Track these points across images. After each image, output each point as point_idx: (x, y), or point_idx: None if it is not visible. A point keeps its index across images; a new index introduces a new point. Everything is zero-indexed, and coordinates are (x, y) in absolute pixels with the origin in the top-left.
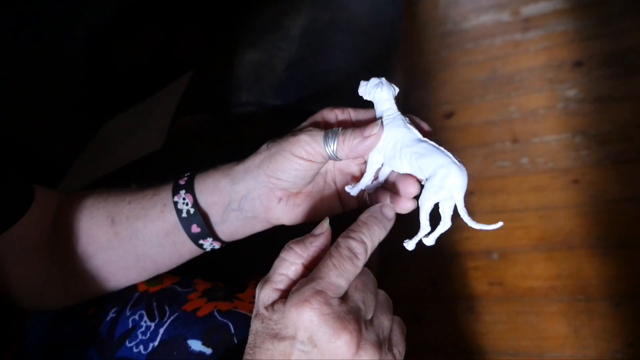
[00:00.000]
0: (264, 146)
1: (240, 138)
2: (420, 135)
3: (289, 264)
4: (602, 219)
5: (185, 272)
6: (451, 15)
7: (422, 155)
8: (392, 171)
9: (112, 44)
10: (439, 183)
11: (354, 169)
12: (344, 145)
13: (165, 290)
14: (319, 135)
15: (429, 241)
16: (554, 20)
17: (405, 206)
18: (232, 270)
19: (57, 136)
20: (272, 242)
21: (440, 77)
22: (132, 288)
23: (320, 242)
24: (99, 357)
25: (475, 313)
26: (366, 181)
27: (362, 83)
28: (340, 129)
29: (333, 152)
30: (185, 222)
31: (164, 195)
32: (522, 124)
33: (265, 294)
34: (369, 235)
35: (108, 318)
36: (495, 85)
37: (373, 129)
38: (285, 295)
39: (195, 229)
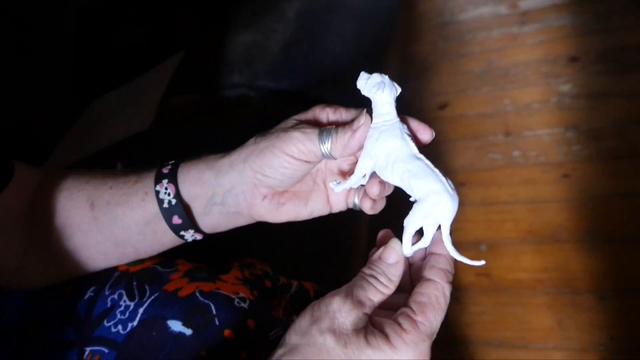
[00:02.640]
0: (252, 140)
1: (231, 120)
2: (416, 151)
3: (376, 291)
4: (590, 214)
5: (167, 252)
6: (449, 6)
7: (415, 175)
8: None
9: (102, 21)
10: (428, 209)
11: (346, 169)
12: (337, 143)
13: (146, 270)
14: (313, 133)
15: (407, 252)
16: (551, 14)
17: (377, 207)
18: (216, 251)
19: (43, 113)
20: (258, 226)
21: (435, 67)
22: (112, 267)
23: (399, 273)
24: (76, 336)
25: (461, 303)
26: (352, 182)
27: (363, 75)
28: (333, 127)
29: (328, 150)
30: (167, 213)
31: (146, 182)
32: (516, 117)
33: (356, 316)
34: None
35: (86, 297)
36: (490, 77)
37: (360, 120)
38: (368, 321)
39: (176, 220)
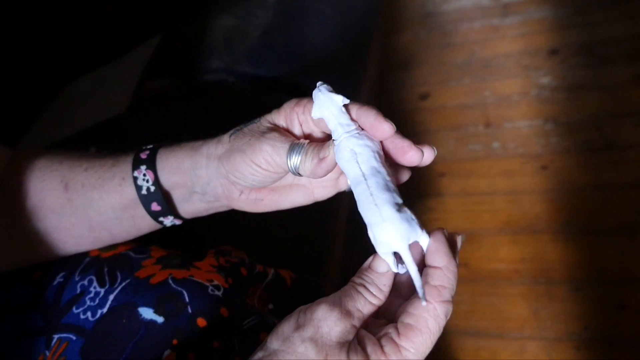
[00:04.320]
0: (227, 136)
1: (209, 105)
2: (360, 172)
3: (366, 302)
4: (567, 206)
5: (141, 238)
6: None
7: (359, 201)
8: None
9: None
10: (376, 239)
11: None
12: (304, 165)
13: (118, 256)
14: (282, 148)
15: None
16: (532, 7)
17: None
18: (191, 238)
19: (16, 96)
20: (235, 213)
21: (417, 58)
22: (83, 253)
23: (390, 283)
24: (44, 323)
25: None
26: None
27: (315, 105)
28: (305, 144)
29: (295, 168)
30: (145, 199)
31: (124, 167)
32: (496, 109)
33: (343, 328)
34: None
35: (55, 282)
36: (471, 69)
37: (326, 151)
38: (355, 335)
39: (155, 206)
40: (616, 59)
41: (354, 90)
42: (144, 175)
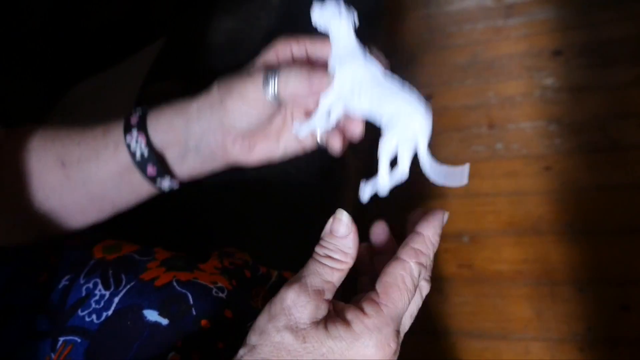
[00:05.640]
0: (215, 86)
1: None
2: (383, 71)
3: (333, 270)
4: (570, 206)
5: (145, 241)
6: None
7: (384, 96)
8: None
9: (80, 3)
10: (402, 130)
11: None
12: (286, 89)
13: (123, 258)
14: (258, 77)
15: (383, 192)
16: (536, 8)
17: (335, 145)
18: (195, 240)
19: (18, 99)
20: (238, 213)
21: (420, 59)
22: (88, 255)
23: (354, 243)
24: (49, 326)
25: (443, 294)
26: (317, 121)
27: (316, 6)
28: (283, 67)
29: (274, 95)
30: (140, 164)
31: (115, 134)
32: (499, 110)
33: (314, 307)
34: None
35: (60, 285)
36: (475, 70)
37: (322, 78)
38: (330, 307)
39: (151, 170)
40: (620, 59)
41: None
42: (136, 139)
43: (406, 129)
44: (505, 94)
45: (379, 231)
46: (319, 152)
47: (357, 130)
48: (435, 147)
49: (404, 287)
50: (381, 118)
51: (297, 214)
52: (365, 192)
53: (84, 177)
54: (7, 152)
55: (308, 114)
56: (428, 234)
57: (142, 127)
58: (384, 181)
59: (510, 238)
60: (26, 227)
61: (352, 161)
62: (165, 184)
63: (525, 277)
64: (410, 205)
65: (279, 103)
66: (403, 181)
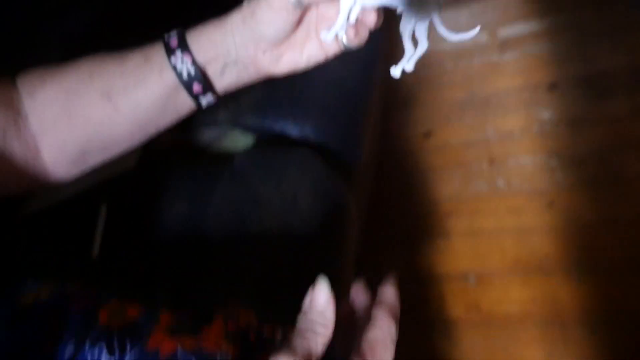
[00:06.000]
0: (245, 2)
1: (216, 157)
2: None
3: (316, 343)
4: (576, 243)
5: (150, 295)
6: (431, 33)
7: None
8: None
9: (88, 50)
10: (417, 9)
11: (333, 14)
12: None
13: (127, 324)
14: None
15: (410, 67)
16: (529, 42)
17: (362, 35)
18: (201, 294)
19: None
20: (243, 267)
21: (419, 96)
22: (93, 318)
23: (332, 314)
24: None
25: (451, 338)
26: (340, 24)
27: None
28: None
29: (299, 1)
30: (187, 82)
31: (158, 59)
32: (499, 146)
33: None
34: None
35: (66, 356)
36: (472, 106)
37: None
38: None
39: (197, 87)
40: (615, 90)
41: (357, 135)
42: (182, 60)
43: (420, 9)
44: (504, 129)
45: (357, 291)
46: (322, 198)
47: (374, 20)
48: (436, 184)
49: (389, 342)
50: (397, 4)
51: (301, 266)
52: (397, 70)
53: (133, 106)
54: (44, 97)
55: (329, 24)
56: (393, 292)
57: (185, 47)
58: (410, 52)
59: (517, 277)
60: (78, 163)
61: (353, 214)
62: (206, 99)
63: (534, 318)
64: (416, 244)
65: (301, 8)
66: (424, 52)
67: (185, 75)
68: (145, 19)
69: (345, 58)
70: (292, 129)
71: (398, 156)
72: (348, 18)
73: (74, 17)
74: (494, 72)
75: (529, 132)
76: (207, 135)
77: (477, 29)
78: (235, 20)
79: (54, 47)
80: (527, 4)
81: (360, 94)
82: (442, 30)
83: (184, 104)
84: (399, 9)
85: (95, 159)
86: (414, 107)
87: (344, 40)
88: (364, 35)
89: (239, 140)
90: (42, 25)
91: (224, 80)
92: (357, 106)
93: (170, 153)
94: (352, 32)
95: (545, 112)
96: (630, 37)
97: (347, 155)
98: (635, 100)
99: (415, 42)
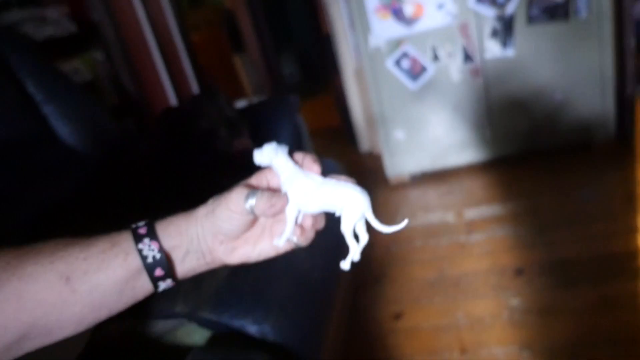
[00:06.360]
0: (210, 200)
1: (168, 351)
2: (320, 179)
3: None
4: None
5: None
6: (401, 210)
7: (329, 193)
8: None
9: (58, 221)
10: (352, 209)
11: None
12: (259, 207)
13: None
14: (242, 193)
15: (356, 257)
16: (495, 225)
17: (309, 236)
18: None
19: None
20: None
21: (389, 273)
22: None
23: None
24: None
25: None
26: (289, 231)
27: (256, 152)
28: (259, 190)
29: (251, 209)
30: (151, 267)
31: (124, 245)
32: (470, 332)
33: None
34: None
35: None
36: (442, 286)
37: (279, 199)
38: None
39: (158, 271)
40: (580, 280)
41: (319, 336)
42: (149, 246)
43: (354, 210)
44: (474, 314)
45: None
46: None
47: (319, 223)
48: None
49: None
50: (334, 209)
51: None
52: (346, 263)
53: (90, 288)
54: None
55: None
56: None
57: (153, 235)
58: (354, 248)
59: None
60: (12, 349)
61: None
62: (165, 284)
63: None
64: None
65: (254, 214)
66: (366, 244)
67: (150, 259)
68: (118, 207)
69: (311, 250)
70: (251, 327)
71: (369, 340)
72: (296, 222)
73: (46, 193)
74: (462, 253)
75: (499, 319)
76: (162, 326)
77: (406, 221)
78: (200, 214)
79: (24, 220)
80: (490, 189)
81: (325, 286)
82: (376, 224)
83: (142, 288)
84: (337, 212)
85: (34, 344)
86: (384, 285)
87: (295, 240)
88: (310, 235)
89: (194, 334)
90: (14, 195)
91: (184, 266)
92: (322, 302)
93: (118, 343)
94: (299, 232)
95: (513, 299)
96: (587, 228)
97: (306, 358)
98: (600, 290)
99: (357, 236)
